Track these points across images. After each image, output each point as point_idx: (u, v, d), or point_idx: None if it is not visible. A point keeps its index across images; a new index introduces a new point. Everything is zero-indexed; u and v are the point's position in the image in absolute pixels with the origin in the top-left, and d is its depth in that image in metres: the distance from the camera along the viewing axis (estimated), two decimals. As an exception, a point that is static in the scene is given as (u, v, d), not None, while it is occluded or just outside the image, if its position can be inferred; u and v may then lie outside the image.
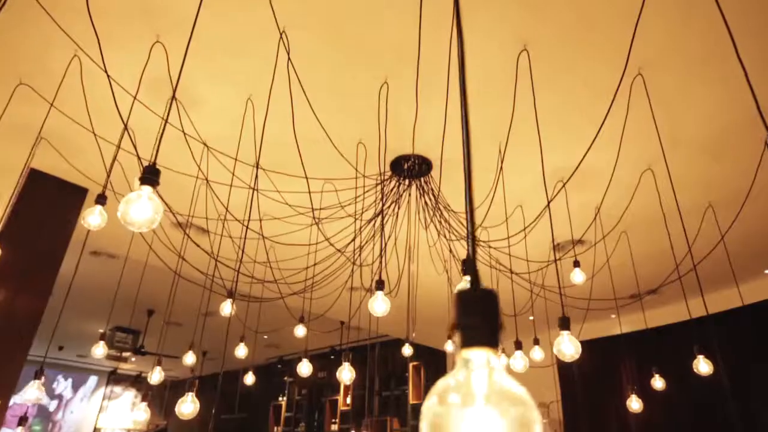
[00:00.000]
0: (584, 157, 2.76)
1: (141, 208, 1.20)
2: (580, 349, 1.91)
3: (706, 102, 2.97)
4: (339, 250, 3.06)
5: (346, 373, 2.76)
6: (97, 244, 5.33)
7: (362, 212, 3.33)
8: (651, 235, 4.36)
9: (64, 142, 3.51)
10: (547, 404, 6.81)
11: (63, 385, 11.92)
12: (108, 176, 2.46)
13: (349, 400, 9.27)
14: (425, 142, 3.36)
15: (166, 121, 2.85)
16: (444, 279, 5.33)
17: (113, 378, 12.40)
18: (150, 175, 1.23)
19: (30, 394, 2.70)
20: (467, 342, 0.45)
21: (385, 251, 2.87)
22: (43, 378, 2.79)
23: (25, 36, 2.70)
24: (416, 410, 8.41)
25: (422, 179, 3.61)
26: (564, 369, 6.89)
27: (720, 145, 3.29)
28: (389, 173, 3.62)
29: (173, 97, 1.99)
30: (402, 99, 3.00)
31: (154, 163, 1.25)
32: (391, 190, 3.57)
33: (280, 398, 10.56)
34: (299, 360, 10.70)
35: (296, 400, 10.24)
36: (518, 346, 3.27)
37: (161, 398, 13.51)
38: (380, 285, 2.25)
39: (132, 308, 7.82)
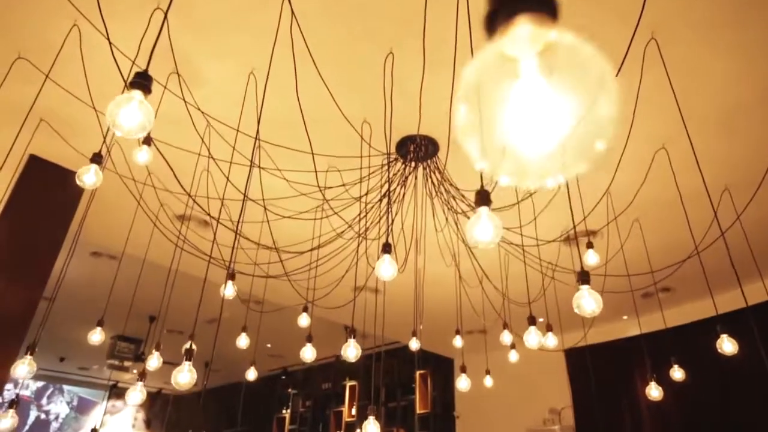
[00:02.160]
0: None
1: (130, 113, 1.11)
2: (601, 304, 1.79)
3: (720, 72, 2.88)
4: (347, 223, 2.96)
5: (351, 350, 2.63)
6: (96, 240, 5.22)
7: (366, 193, 3.24)
8: (665, 223, 4.23)
9: (64, 124, 3.45)
10: (559, 410, 6.59)
11: (63, 399, 11.72)
12: (104, 139, 2.38)
13: (354, 411, 9.05)
14: (431, 122, 3.28)
15: (165, 87, 2.79)
16: (452, 281, 5.20)
17: (114, 392, 12.17)
18: (141, 80, 1.15)
19: (20, 371, 2.58)
20: (507, 12, 0.35)
21: (391, 217, 2.76)
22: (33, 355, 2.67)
23: (23, 6, 2.66)
24: (423, 420, 8.18)
25: (429, 161, 3.53)
26: (575, 373, 6.69)
27: (735, 120, 3.18)
28: (395, 155, 3.54)
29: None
30: (407, 74, 2.93)
31: (146, 70, 1.17)
32: (397, 171, 3.48)
33: (284, 411, 10.32)
34: (303, 372, 10.50)
35: (300, 413, 10.01)
36: (532, 321, 3.13)
37: (163, 414, 13.27)
38: (387, 248, 2.14)
39: (134, 316, 7.68)
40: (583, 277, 1.80)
